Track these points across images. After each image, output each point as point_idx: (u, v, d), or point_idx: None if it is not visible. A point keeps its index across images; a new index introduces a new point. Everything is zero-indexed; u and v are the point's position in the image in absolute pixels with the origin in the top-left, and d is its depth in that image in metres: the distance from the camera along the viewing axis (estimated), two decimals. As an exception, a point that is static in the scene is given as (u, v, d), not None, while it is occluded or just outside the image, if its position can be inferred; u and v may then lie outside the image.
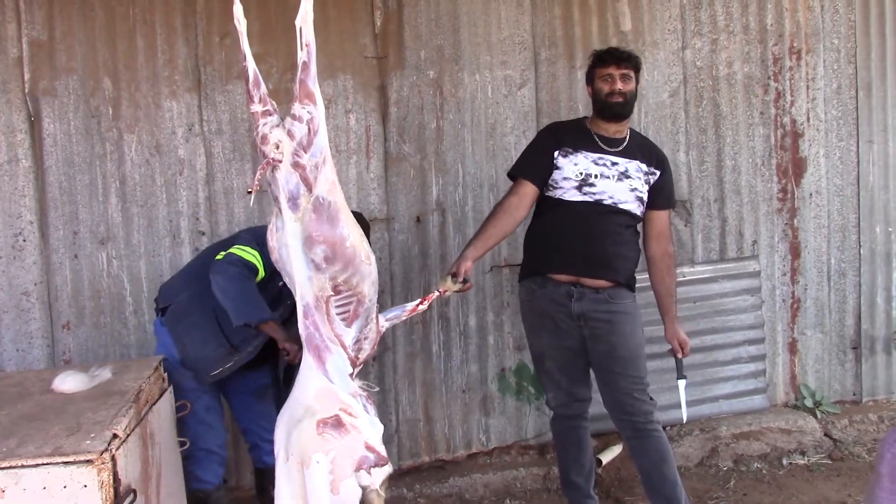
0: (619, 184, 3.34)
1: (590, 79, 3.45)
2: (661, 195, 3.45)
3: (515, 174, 3.48)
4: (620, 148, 3.39)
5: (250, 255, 3.01)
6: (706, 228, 4.56)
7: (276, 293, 3.07)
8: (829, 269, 4.74)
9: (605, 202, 3.33)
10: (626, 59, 3.36)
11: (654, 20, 4.43)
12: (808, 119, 4.67)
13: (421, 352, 4.23)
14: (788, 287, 4.69)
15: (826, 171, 4.70)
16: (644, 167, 3.39)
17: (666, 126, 4.46)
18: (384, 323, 3.01)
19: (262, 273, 3.02)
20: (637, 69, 3.40)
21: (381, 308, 3.13)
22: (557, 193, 3.37)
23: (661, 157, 3.49)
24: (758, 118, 4.59)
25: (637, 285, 3.47)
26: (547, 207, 3.43)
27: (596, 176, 3.33)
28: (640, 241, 3.50)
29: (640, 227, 3.48)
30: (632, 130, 3.49)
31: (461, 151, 4.19)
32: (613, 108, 3.34)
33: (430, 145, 4.16)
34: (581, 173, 3.34)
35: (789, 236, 4.66)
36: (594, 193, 3.33)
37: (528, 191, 3.40)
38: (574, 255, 3.34)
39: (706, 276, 4.50)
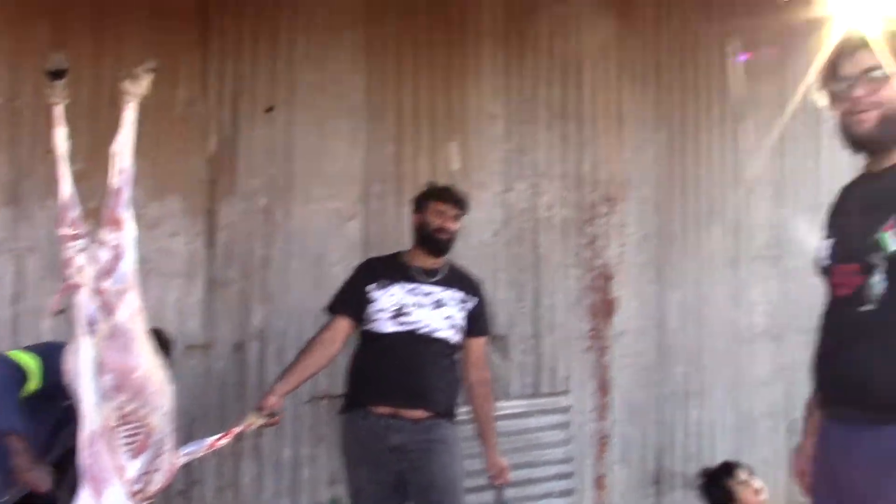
0: (433, 312, 3.44)
1: (420, 208, 3.58)
2: (477, 323, 3.58)
3: (331, 308, 3.54)
4: (436, 278, 3.52)
5: (26, 360, 2.84)
6: (522, 364, 4.73)
7: (61, 414, 2.89)
8: (634, 406, 5.01)
9: (420, 331, 3.41)
10: (460, 203, 3.59)
11: (480, 163, 4.66)
12: (619, 263, 5.00)
13: (231, 485, 4.10)
14: (597, 423, 4.91)
15: (633, 313, 5.02)
16: (460, 295, 3.52)
17: (488, 263, 4.64)
18: (181, 457, 2.91)
19: (35, 383, 2.83)
20: (464, 214, 3.63)
21: (189, 438, 3.04)
22: (374, 326, 3.44)
23: (476, 285, 3.64)
24: (573, 260, 4.87)
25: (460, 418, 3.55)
26: (366, 340, 3.49)
27: (411, 306, 3.42)
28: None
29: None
30: (450, 262, 3.63)
31: (287, 280, 4.20)
32: (439, 243, 3.51)
33: (256, 272, 4.15)
34: (396, 304, 3.42)
35: (599, 373, 4.91)
36: (409, 323, 3.40)
37: (343, 325, 3.46)
38: (391, 386, 3.37)
39: (521, 410, 4.65)
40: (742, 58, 5.34)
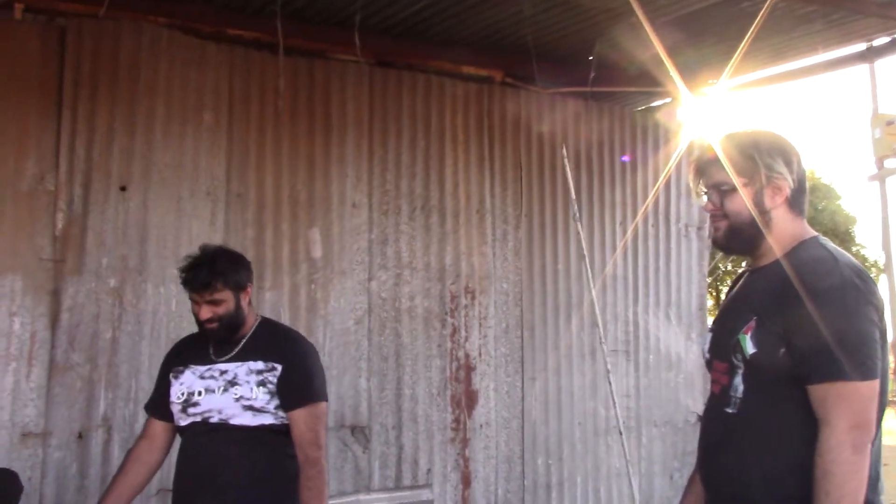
0: (223, 396, 2.84)
1: None
2: (290, 393, 2.86)
3: (145, 408, 3.16)
4: (232, 353, 2.92)
5: None
6: (383, 455, 4.62)
7: None
8: (496, 499, 4.94)
9: (212, 420, 2.84)
10: (206, 284, 2.85)
11: (343, 250, 4.64)
12: (480, 354, 5.02)
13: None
14: (459, 516, 4.82)
15: (495, 404, 5.01)
16: (258, 366, 2.87)
17: (350, 352, 4.57)
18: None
19: None
20: (231, 284, 2.88)
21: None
22: (174, 420, 2.96)
23: (284, 346, 2.94)
24: (435, 350, 4.86)
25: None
26: (179, 435, 3.01)
27: (199, 393, 2.88)
28: None
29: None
30: (261, 324, 3.03)
31: (136, 365, 4.00)
32: (210, 333, 2.91)
33: (102, 356, 3.93)
34: (183, 394, 2.90)
35: (461, 466, 4.85)
36: (200, 413, 2.86)
37: (157, 429, 3.02)
38: (193, 491, 2.86)
39: (382, 504, 4.51)
40: (624, 158, 5.63)
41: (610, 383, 5.18)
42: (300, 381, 2.90)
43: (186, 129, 4.25)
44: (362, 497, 4.43)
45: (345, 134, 4.70)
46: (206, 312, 2.86)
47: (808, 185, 2.19)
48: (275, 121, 4.49)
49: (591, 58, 5.07)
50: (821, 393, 1.90)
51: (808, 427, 1.92)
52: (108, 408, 3.92)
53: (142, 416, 3.92)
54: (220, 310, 2.86)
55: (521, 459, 5.04)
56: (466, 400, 4.93)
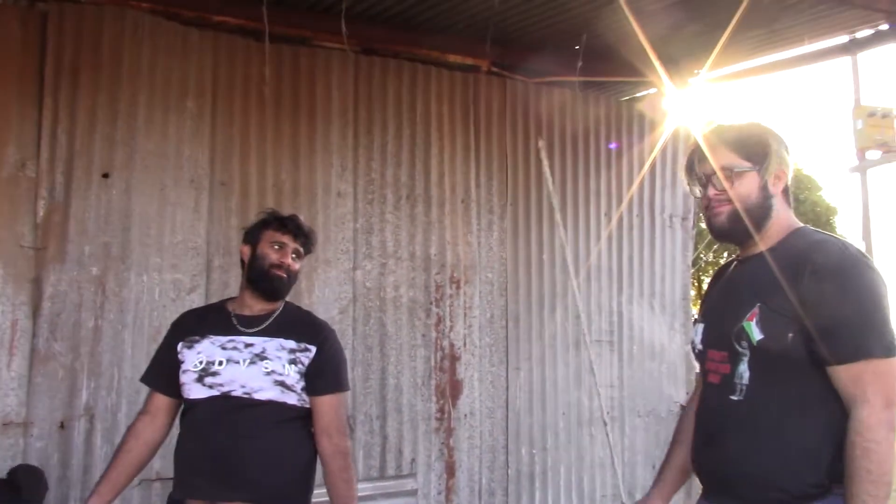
0: (250, 369, 2.70)
1: (252, 239, 2.88)
2: (321, 377, 2.78)
3: (143, 380, 2.96)
4: (261, 326, 2.80)
5: None
6: (368, 445, 4.61)
7: None
8: (480, 489, 4.95)
9: (234, 394, 2.68)
10: (305, 236, 2.90)
11: (328, 240, 4.62)
12: (465, 344, 5.01)
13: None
14: (443, 506, 4.82)
15: (479, 394, 5.01)
16: (290, 344, 2.76)
17: (334, 341, 4.55)
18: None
19: None
20: (308, 253, 2.95)
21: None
22: (185, 392, 2.77)
23: (318, 331, 2.87)
24: (420, 340, 4.85)
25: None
26: (184, 412, 2.83)
27: (220, 363, 2.71)
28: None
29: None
30: (287, 305, 2.93)
31: (119, 354, 3.96)
32: (273, 281, 2.80)
33: (85, 345, 3.89)
34: (201, 362, 2.73)
35: (445, 455, 4.85)
36: (220, 385, 2.69)
37: (159, 403, 2.85)
38: (202, 471, 2.67)
39: (366, 493, 4.49)
40: (612, 146, 5.63)
41: (594, 374, 5.21)
42: (333, 366, 2.83)
43: (170, 116, 4.21)
44: (347, 486, 4.41)
45: (330, 122, 4.67)
46: (290, 260, 2.83)
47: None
48: (259, 109, 4.46)
49: (577, 47, 5.06)
50: (855, 371, 1.90)
51: (820, 409, 1.94)
52: (90, 397, 3.89)
53: (125, 406, 3.93)
54: (297, 266, 2.87)
55: (505, 449, 5.05)
56: (451, 390, 4.93)
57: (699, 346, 2.23)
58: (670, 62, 5.16)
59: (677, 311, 5.87)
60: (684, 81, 5.63)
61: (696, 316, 2.52)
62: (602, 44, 4.98)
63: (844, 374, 1.91)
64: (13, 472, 3.18)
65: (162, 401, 2.85)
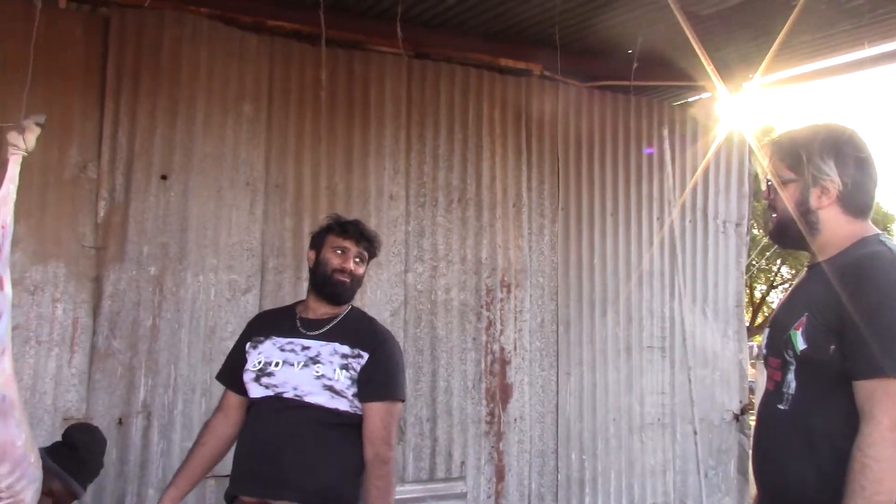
0: (303, 371, 2.73)
1: (317, 244, 2.93)
2: (370, 385, 2.75)
3: (218, 379, 3.05)
4: (322, 330, 2.83)
5: None
6: (418, 447, 4.62)
7: None
8: (530, 493, 4.93)
9: (285, 395, 2.72)
10: (368, 240, 2.93)
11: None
12: (515, 348, 5.00)
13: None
14: (493, 510, 4.81)
15: (529, 398, 5.00)
16: (344, 349, 2.77)
17: (385, 343, 4.57)
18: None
19: None
20: (372, 257, 3.00)
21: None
22: (248, 391, 2.84)
23: (374, 337, 2.85)
24: (470, 343, 4.85)
25: None
26: (248, 410, 2.89)
27: (276, 364, 2.77)
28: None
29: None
30: (353, 310, 2.95)
31: (176, 352, 4.03)
32: (336, 286, 2.83)
33: (143, 343, 3.96)
34: (260, 362, 2.80)
35: (495, 459, 4.84)
36: (274, 386, 2.74)
37: (232, 401, 2.92)
38: (255, 469, 2.71)
39: (416, 495, 4.52)
40: (648, 150, 5.59)
41: (645, 379, 5.16)
42: (384, 374, 2.80)
43: (227, 119, 4.27)
44: (396, 488, 4.42)
45: (383, 126, 4.71)
46: (352, 265, 2.85)
47: (873, 184, 2.10)
48: (314, 112, 4.50)
49: (630, 51, 5.03)
50: (869, 388, 1.87)
51: (857, 425, 1.89)
52: (147, 394, 3.96)
53: (181, 403, 4.00)
54: (360, 270, 2.91)
55: (554, 454, 5.02)
56: (501, 393, 4.92)
57: (763, 351, 2.21)
58: (724, 67, 5.10)
59: (731, 318, 5.80)
60: (738, 86, 5.57)
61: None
62: (655, 48, 4.94)
63: (860, 390, 1.89)
64: (68, 432, 3.23)
65: (234, 398, 2.92)
